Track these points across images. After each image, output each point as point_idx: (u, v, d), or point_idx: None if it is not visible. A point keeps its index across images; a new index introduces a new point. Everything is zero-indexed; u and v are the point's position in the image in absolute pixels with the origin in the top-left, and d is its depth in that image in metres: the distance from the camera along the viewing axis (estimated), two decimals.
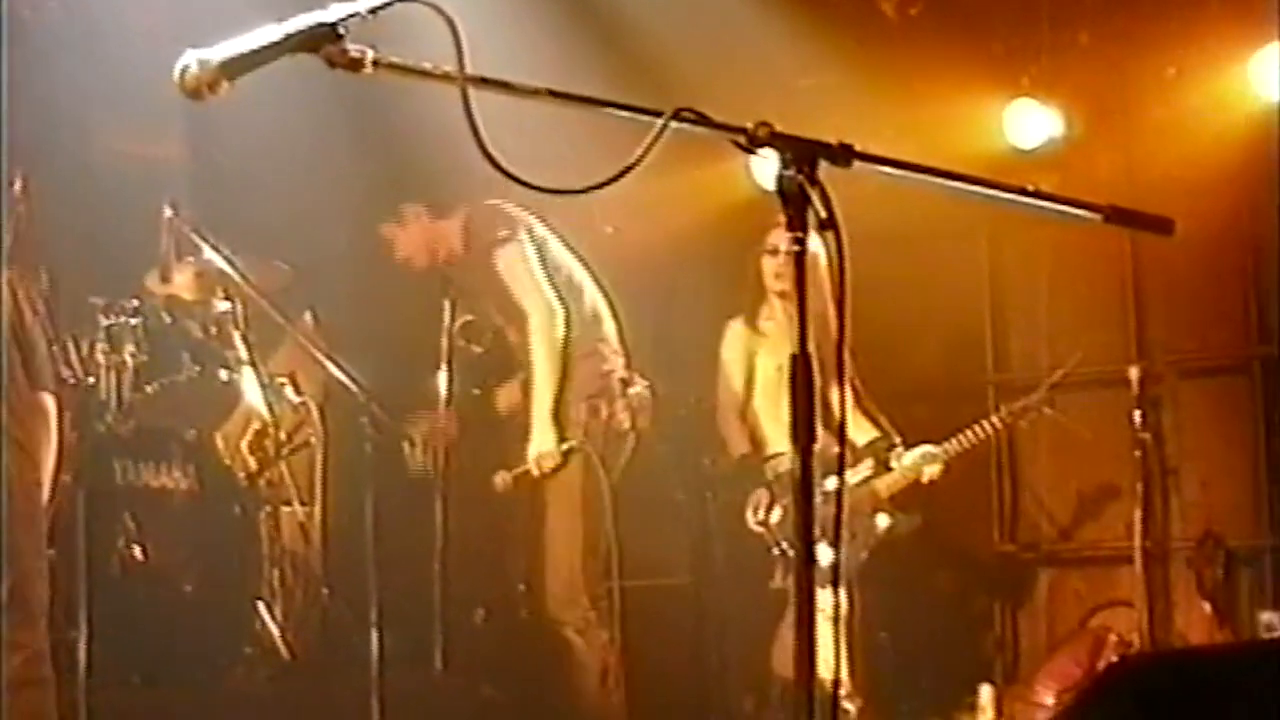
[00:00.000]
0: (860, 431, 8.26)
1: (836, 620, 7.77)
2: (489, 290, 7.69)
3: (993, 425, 8.41)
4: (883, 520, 8.31)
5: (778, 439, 8.19)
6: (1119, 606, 9.51)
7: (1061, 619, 10.07)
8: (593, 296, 7.83)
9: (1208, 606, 9.21)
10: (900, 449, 8.29)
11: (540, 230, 7.64)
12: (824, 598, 7.98)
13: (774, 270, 8.18)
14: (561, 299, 7.57)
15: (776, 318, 8.30)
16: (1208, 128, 9.19)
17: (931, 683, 9.22)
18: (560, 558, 7.47)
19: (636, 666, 7.69)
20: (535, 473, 7.51)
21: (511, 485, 7.62)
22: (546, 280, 7.57)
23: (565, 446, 7.45)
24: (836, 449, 8.18)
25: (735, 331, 8.52)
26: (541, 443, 7.48)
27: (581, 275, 7.82)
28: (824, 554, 8.08)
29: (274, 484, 7.94)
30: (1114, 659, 8.42)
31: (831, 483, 7.87)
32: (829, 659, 3.22)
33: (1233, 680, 3.17)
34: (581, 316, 7.68)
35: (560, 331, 7.51)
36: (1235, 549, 9.31)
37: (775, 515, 8.11)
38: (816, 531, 8.17)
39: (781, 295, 8.16)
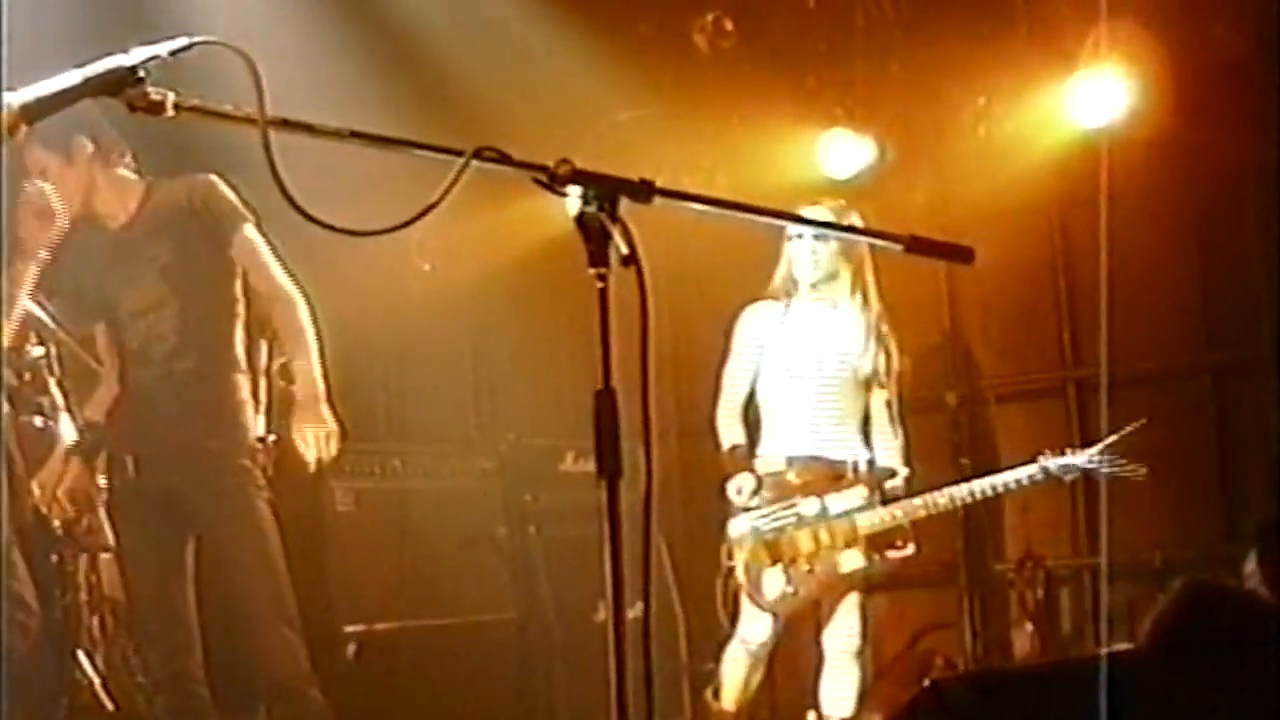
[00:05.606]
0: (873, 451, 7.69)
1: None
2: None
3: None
4: (852, 559, 7.64)
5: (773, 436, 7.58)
6: (944, 629, 9.62)
7: (888, 643, 10.15)
8: None
9: (1030, 627, 9.34)
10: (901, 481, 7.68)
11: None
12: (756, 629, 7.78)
13: (802, 256, 7.31)
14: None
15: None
16: (1020, 154, 9.37)
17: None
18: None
19: (459, 703, 7.65)
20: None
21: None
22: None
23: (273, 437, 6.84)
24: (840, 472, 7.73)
25: (758, 312, 7.52)
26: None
27: None
28: (771, 583, 7.83)
29: (93, 530, 7.80)
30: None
31: (810, 506, 7.58)
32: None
33: (1041, 698, 3.23)
34: None
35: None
36: (1054, 569, 9.45)
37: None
38: (767, 558, 7.88)
39: (812, 286, 7.38)
